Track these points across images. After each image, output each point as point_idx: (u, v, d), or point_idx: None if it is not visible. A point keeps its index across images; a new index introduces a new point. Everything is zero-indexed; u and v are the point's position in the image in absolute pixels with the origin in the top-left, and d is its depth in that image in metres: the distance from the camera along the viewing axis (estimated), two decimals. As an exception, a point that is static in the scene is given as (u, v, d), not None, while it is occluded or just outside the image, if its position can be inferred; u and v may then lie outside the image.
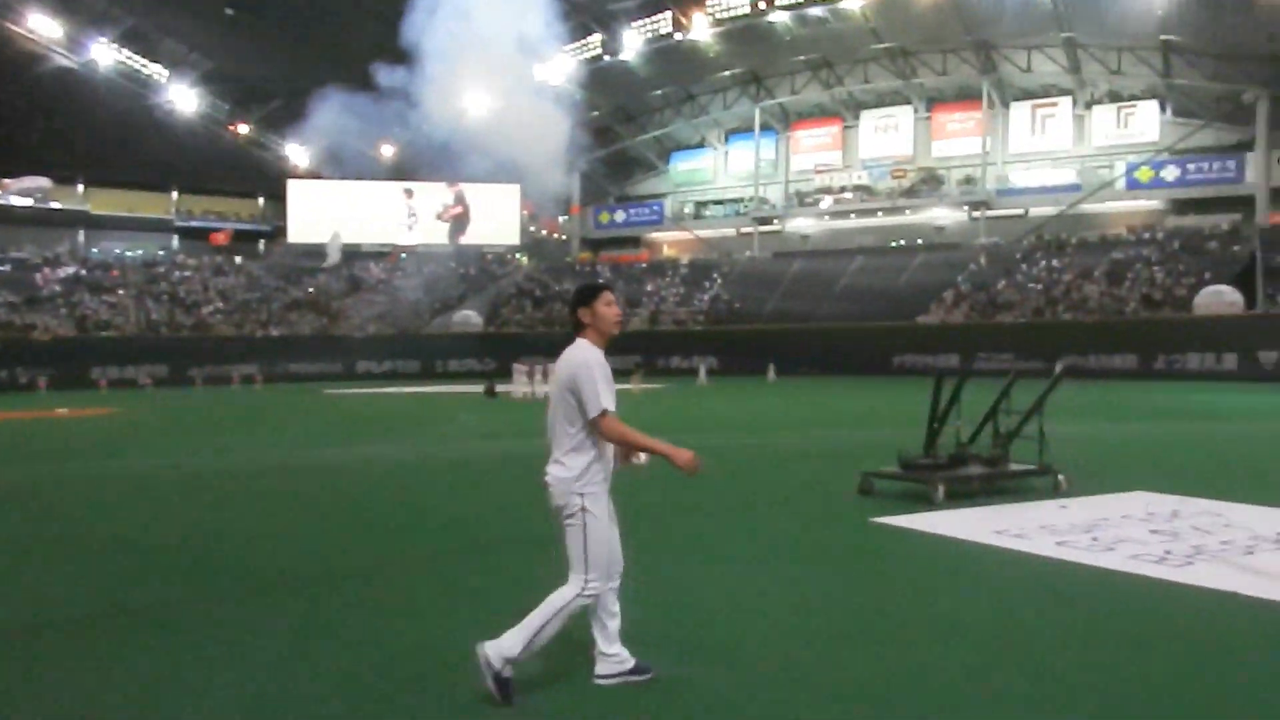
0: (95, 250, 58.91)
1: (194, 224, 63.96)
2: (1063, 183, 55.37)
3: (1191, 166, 51.66)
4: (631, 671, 4.08)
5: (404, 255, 62.59)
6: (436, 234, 63.21)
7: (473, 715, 3.80)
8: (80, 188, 60.89)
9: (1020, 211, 56.08)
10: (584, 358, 3.88)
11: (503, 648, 3.82)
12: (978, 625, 5.02)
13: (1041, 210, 55.03)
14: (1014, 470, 9.54)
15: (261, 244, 64.96)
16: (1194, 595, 5.47)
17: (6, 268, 52.18)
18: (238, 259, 60.89)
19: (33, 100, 54.16)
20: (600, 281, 4.35)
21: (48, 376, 42.53)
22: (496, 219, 63.22)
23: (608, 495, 3.95)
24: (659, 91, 62.25)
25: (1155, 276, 43.83)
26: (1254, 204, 48.50)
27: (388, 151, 63.21)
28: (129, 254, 58.41)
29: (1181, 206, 52.47)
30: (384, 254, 63.25)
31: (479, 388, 33.82)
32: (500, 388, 32.73)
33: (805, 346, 46.10)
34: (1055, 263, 48.55)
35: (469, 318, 55.37)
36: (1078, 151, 55.68)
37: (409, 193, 62.68)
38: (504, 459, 13.36)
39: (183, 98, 58.13)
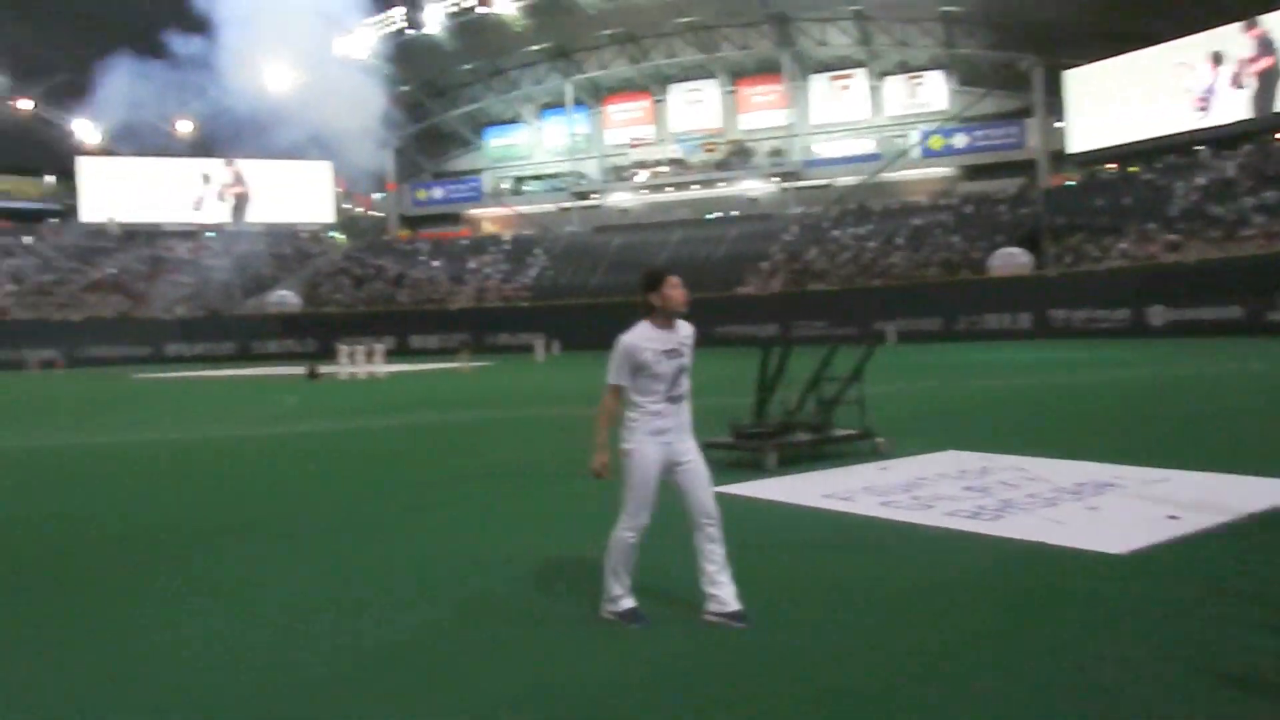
0: None
1: None
2: (863, 152, 58.15)
3: (979, 134, 55.25)
4: (729, 616, 4.50)
5: (211, 234, 59.56)
6: (238, 213, 60.44)
7: None
8: None
9: (826, 181, 58.57)
10: (622, 338, 4.53)
11: (606, 594, 4.60)
12: (815, 584, 5.24)
13: (845, 180, 57.64)
14: (837, 435, 9.99)
15: (53, 224, 60.75)
16: (1006, 546, 5.90)
17: None
18: (27, 239, 56.72)
19: None
20: (665, 267, 4.71)
21: None
22: (309, 196, 60.84)
23: (661, 448, 4.51)
24: (468, 66, 61.26)
25: (952, 241, 46.65)
26: (1036, 168, 52.32)
27: (187, 127, 59.77)
28: None
29: (972, 172, 56.12)
30: (190, 233, 60.14)
31: (300, 369, 32.59)
32: (324, 369, 31.62)
33: (630, 319, 46.49)
34: (861, 231, 50.95)
35: (286, 298, 53.20)
36: (875, 122, 58.58)
37: (206, 178, 59.65)
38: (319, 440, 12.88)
39: (-46, 69, 53.21)
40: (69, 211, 60.10)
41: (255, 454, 12.90)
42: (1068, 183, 50.46)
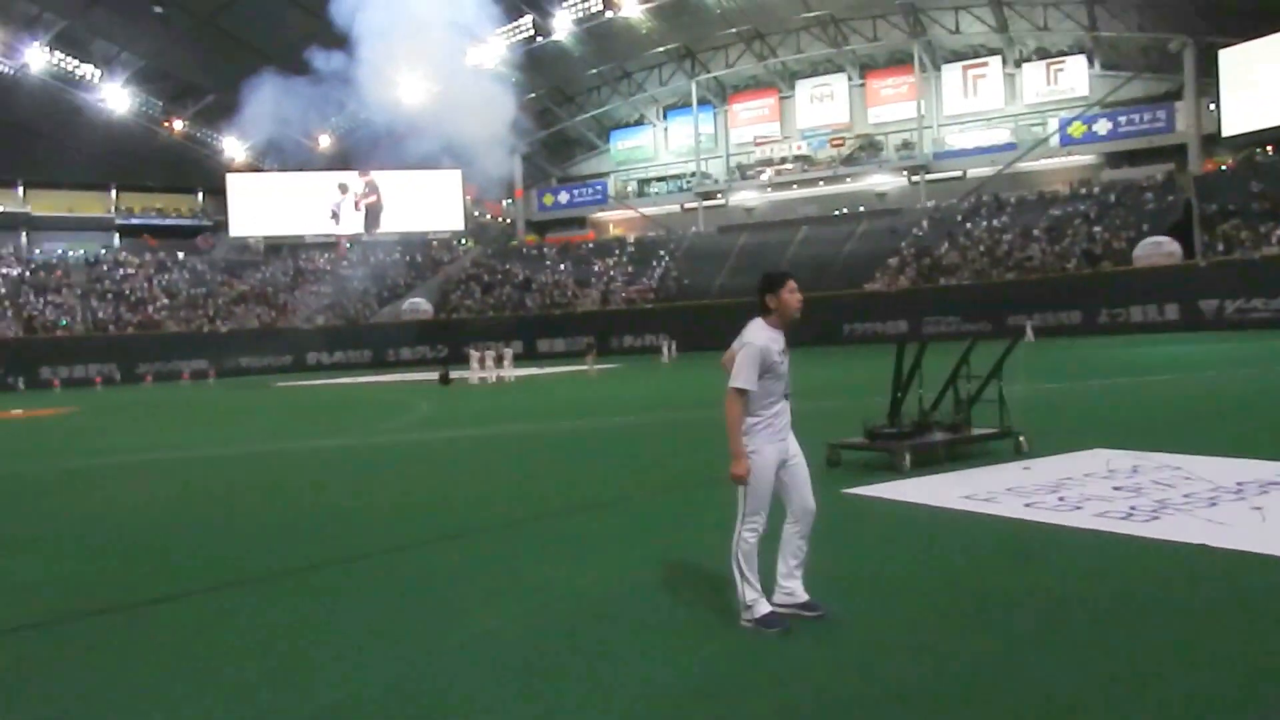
0: (38, 251, 59.05)
1: (135, 221, 64.00)
2: (998, 142, 56.20)
3: (1123, 119, 52.56)
4: (802, 606, 4.65)
5: (350, 245, 62.08)
6: (373, 223, 62.80)
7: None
8: (20, 190, 60.79)
9: (959, 174, 56.86)
10: (750, 338, 4.52)
11: (741, 603, 4.58)
12: (961, 590, 5.09)
13: (979, 171, 55.86)
14: (976, 434, 9.69)
15: (204, 239, 64.75)
16: (1165, 550, 5.61)
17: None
18: (180, 254, 60.56)
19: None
20: (785, 270, 4.80)
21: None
22: (439, 205, 62.63)
23: (777, 446, 4.56)
24: (594, 71, 62.00)
25: (1094, 231, 44.62)
26: (1186, 153, 49.41)
27: (326, 142, 62.69)
28: (71, 254, 58.07)
29: (1115, 159, 53.50)
30: (330, 244, 62.84)
31: (433, 375, 33.66)
32: (455, 373, 32.57)
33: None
34: (996, 223, 49.25)
35: (418, 305, 55.02)
36: (1010, 110, 56.55)
37: (343, 187, 62.02)
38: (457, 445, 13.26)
39: (116, 97, 57.22)
40: (219, 227, 63.71)
41: (399, 460, 13.35)
42: (1221, 168, 47.46)
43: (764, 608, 4.56)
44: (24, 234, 60.53)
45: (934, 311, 42.32)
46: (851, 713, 3.62)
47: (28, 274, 54.60)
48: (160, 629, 5.25)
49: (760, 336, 4.53)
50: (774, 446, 4.55)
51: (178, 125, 60.90)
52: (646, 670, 4.17)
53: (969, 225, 50.15)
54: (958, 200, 54.05)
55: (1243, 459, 8.29)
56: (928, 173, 57.25)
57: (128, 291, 54.88)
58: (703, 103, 63.23)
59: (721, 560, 4.80)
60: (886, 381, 9.86)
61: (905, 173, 58.26)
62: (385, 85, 49.86)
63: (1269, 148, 46.04)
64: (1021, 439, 9.58)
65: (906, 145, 58.50)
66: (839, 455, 9.49)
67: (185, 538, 7.86)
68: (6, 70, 53.57)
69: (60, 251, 58.80)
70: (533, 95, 60.36)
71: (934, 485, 8.12)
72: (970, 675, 3.93)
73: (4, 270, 53.96)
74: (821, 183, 60.12)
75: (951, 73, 58.00)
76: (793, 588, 4.67)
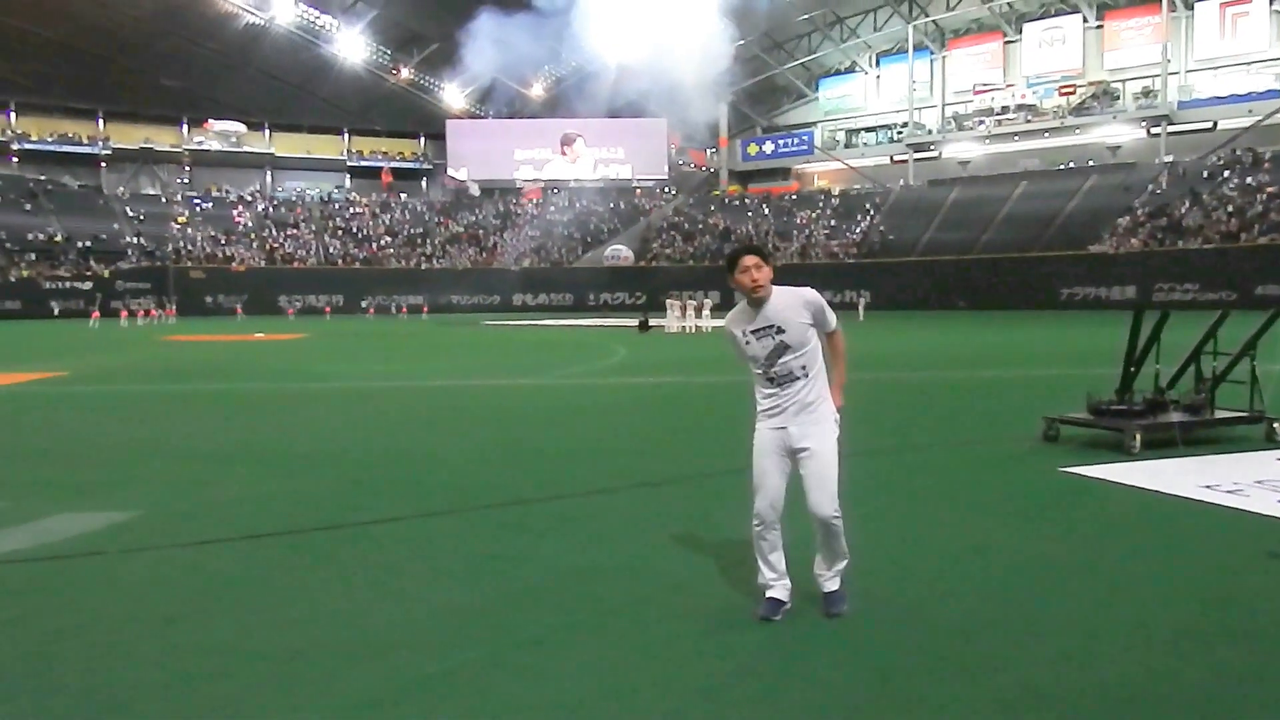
0: (280, 189, 64.51)
1: (363, 163, 68.50)
2: (1259, 89, 50.57)
3: None
4: (824, 599, 4.33)
5: (555, 190, 64.00)
6: (579, 171, 64.44)
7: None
8: (266, 132, 66.16)
9: (1208, 124, 51.70)
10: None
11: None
12: (1192, 589, 4.51)
13: (1233, 122, 50.59)
14: (1220, 417, 8.67)
15: (424, 182, 68.58)
16: None
17: (209, 205, 58.44)
18: (403, 195, 64.66)
19: (227, 54, 59.49)
20: (740, 248, 4.55)
21: (242, 303, 48.76)
22: (644, 153, 63.40)
23: (776, 432, 4.30)
24: (805, 16, 60.54)
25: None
26: None
27: (539, 90, 64.72)
28: (309, 192, 62.98)
29: (1404, 111, 47.16)
30: (538, 189, 65.12)
31: (632, 321, 34.16)
32: (654, 321, 32.90)
33: (963, 279, 44.35)
34: (1250, 181, 44.49)
35: (619, 252, 56.05)
36: (1276, 53, 50.68)
37: (553, 136, 63.72)
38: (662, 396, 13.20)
39: (350, 46, 60.98)
40: (437, 170, 67.26)
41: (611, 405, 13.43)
42: None
43: (768, 594, 4.30)
44: (269, 172, 66.40)
45: (1168, 277, 38.95)
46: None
47: (270, 209, 59.96)
48: (374, 547, 5.52)
49: (729, 316, 4.48)
50: (771, 431, 4.32)
51: (404, 73, 64.39)
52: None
53: (1220, 180, 45.55)
54: (1205, 154, 49.20)
55: None
56: (1170, 123, 52.44)
57: (355, 229, 59.02)
58: (919, 48, 60.38)
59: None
60: (1110, 352, 8.95)
61: (1144, 124, 53.61)
62: (601, 28, 50.54)
63: None
64: (1276, 425, 8.49)
65: (1147, 93, 53.75)
66: (1057, 429, 8.74)
67: (398, 465, 8.26)
68: (258, 20, 58.08)
69: (299, 189, 63.78)
70: (741, 42, 59.46)
71: (1167, 470, 7.30)
72: (1195, 693, 3.37)
73: (252, 205, 59.53)
74: (1046, 134, 56.32)
75: (1206, 11, 52.61)
76: (821, 578, 4.39)
